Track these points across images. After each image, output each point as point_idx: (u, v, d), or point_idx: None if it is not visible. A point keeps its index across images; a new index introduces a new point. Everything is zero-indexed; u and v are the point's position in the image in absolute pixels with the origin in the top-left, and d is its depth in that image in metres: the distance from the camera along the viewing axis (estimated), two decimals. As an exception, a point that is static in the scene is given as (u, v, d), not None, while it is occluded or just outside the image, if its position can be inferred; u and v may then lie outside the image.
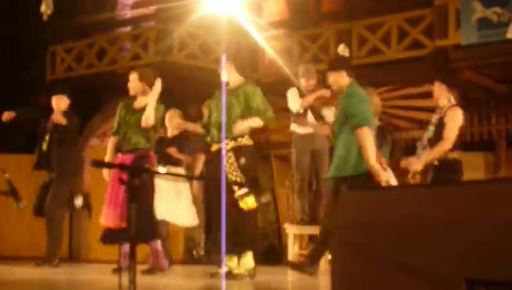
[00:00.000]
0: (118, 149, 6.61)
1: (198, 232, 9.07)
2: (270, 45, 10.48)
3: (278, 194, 11.66)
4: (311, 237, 8.02)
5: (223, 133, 5.84)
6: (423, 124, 9.87)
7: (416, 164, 6.22)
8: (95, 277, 6.70)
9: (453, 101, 6.25)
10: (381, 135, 7.01)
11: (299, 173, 7.99)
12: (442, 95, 6.31)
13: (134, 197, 3.13)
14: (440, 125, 6.17)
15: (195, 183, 8.15)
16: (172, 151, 7.88)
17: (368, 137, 5.75)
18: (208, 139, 6.14)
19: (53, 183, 7.70)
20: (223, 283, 5.42)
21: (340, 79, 6.04)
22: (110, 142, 6.72)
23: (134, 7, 13.70)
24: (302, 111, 7.67)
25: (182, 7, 10.00)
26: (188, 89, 10.52)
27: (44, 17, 8.11)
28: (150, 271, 6.47)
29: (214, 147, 6.01)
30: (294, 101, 7.70)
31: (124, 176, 3.18)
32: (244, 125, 5.92)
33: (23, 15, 12.25)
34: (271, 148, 11.70)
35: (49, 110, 7.93)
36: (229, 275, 5.70)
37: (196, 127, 8.05)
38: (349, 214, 2.42)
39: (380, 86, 9.39)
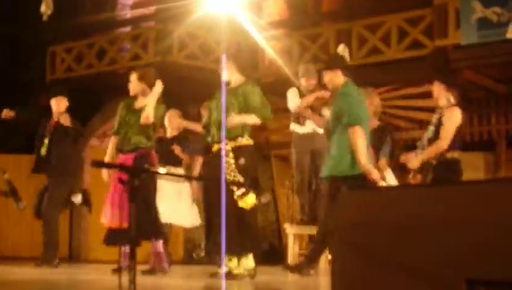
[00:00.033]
0: (119, 150, 6.60)
1: (199, 233, 9.06)
2: (270, 45, 10.48)
3: (278, 194, 11.66)
4: (311, 237, 8.02)
5: (223, 133, 5.84)
6: (423, 124, 9.87)
7: (413, 161, 6.24)
8: (95, 277, 6.70)
9: (452, 101, 6.26)
10: (381, 135, 7.01)
11: (299, 173, 7.99)
12: (442, 95, 6.31)
13: (135, 197, 3.13)
14: (439, 126, 6.18)
15: (195, 184, 8.16)
16: (177, 149, 7.89)
17: (359, 137, 5.75)
18: (209, 139, 6.14)
19: (51, 184, 7.69)
20: (223, 283, 5.42)
21: (336, 78, 6.04)
22: (111, 142, 6.71)
23: (134, 7, 13.70)
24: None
25: (181, 7, 10.00)
26: (187, 89, 10.52)
27: (44, 17, 8.12)
28: (150, 271, 6.47)
29: (215, 147, 6.01)
30: (294, 101, 7.70)
31: (124, 176, 3.18)
32: (237, 119, 5.89)
33: (23, 15, 12.25)
34: (271, 148, 11.70)
35: (49, 111, 7.92)
36: (229, 275, 5.70)
37: (196, 126, 8.05)
38: (349, 214, 2.42)
39: (380, 86, 9.39)
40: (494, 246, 2.02)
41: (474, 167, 9.69)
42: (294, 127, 7.89)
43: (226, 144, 5.87)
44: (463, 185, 2.66)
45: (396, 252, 2.24)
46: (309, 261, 6.24)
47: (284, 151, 10.56)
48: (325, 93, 7.40)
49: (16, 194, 8.22)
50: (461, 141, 6.38)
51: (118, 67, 11.86)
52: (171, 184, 7.73)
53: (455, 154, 6.22)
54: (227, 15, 7.61)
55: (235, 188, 5.81)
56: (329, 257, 6.54)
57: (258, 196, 6.25)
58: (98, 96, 12.53)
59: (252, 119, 5.95)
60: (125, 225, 6.22)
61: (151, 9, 12.73)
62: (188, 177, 8.16)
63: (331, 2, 11.89)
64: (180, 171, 8.02)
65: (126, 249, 5.99)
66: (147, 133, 6.51)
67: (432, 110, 6.60)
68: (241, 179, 5.83)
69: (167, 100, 6.80)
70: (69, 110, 7.92)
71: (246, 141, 5.95)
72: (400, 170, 7.67)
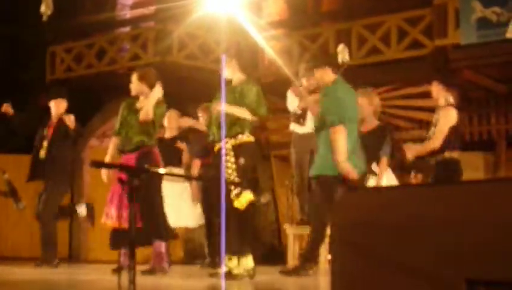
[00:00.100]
0: (120, 150, 6.58)
1: (199, 233, 9.06)
2: (269, 45, 10.48)
3: (278, 194, 11.66)
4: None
5: (223, 132, 5.83)
6: (423, 124, 9.87)
7: (409, 152, 6.27)
8: (95, 277, 6.70)
9: (451, 101, 6.27)
10: (381, 135, 7.02)
11: (298, 173, 7.99)
12: (441, 95, 6.32)
13: (134, 198, 3.13)
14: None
15: (194, 187, 8.16)
16: (182, 145, 7.92)
17: (339, 136, 5.76)
18: (210, 138, 6.14)
19: (48, 186, 7.68)
20: (223, 283, 5.42)
21: (325, 76, 6.05)
22: (112, 143, 6.69)
23: (134, 7, 13.70)
24: (299, 112, 7.66)
25: (181, 7, 10.00)
26: (187, 90, 10.52)
27: (44, 17, 8.09)
28: (150, 271, 6.47)
29: (216, 147, 6.00)
30: (293, 101, 7.70)
31: (124, 176, 3.18)
32: (227, 108, 5.88)
33: (23, 15, 12.24)
34: (271, 148, 11.70)
35: (48, 111, 7.92)
36: (229, 275, 5.70)
37: (200, 125, 8.06)
38: (349, 214, 2.42)
39: (379, 86, 9.39)
40: (494, 246, 2.02)
41: (474, 167, 9.68)
42: (294, 127, 7.89)
43: (226, 142, 5.86)
44: (463, 185, 2.66)
45: (396, 252, 2.24)
46: (304, 261, 6.25)
47: (283, 152, 10.56)
48: None
49: (16, 194, 8.22)
50: (460, 141, 6.39)
51: (117, 68, 11.86)
52: (172, 184, 7.73)
53: (454, 154, 6.23)
54: (226, 15, 7.61)
55: (232, 188, 5.81)
56: (329, 257, 6.54)
57: (256, 195, 6.25)
58: (98, 96, 12.54)
59: (243, 114, 5.88)
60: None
61: (151, 9, 12.73)
62: (188, 177, 8.16)
63: (330, 2, 11.89)
64: (181, 171, 8.03)
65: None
66: (148, 132, 6.50)
67: (431, 110, 6.61)
68: (238, 179, 5.80)
69: (167, 100, 6.80)
70: (68, 110, 7.91)
71: (246, 138, 5.91)
72: (400, 170, 7.68)
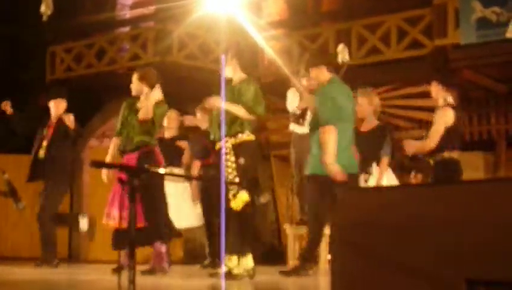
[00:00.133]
0: (121, 151, 6.56)
1: (199, 233, 9.06)
2: (269, 45, 10.48)
3: (278, 194, 11.66)
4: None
5: (223, 131, 5.82)
6: (422, 124, 9.87)
7: (408, 147, 6.28)
8: (94, 277, 6.70)
9: (449, 101, 6.27)
10: (381, 134, 7.02)
11: (298, 173, 7.98)
12: (439, 95, 6.33)
13: (135, 198, 3.13)
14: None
15: (194, 187, 8.16)
16: (183, 144, 7.92)
17: (328, 136, 5.75)
18: (211, 137, 6.12)
19: (48, 186, 7.68)
20: (223, 283, 5.42)
21: (321, 74, 6.04)
22: (113, 143, 6.68)
23: (134, 7, 13.70)
24: (298, 112, 7.65)
25: (181, 7, 10.00)
26: (187, 90, 10.51)
27: (44, 17, 8.09)
28: (149, 271, 6.46)
29: (218, 146, 5.99)
30: (293, 101, 7.70)
31: (124, 176, 3.18)
32: (218, 100, 5.87)
33: (23, 15, 12.24)
34: (271, 148, 11.70)
35: (48, 112, 7.91)
36: (229, 275, 5.70)
37: (200, 121, 8.07)
38: (349, 214, 2.42)
39: (379, 86, 9.39)
40: (494, 246, 2.02)
41: (473, 167, 9.68)
42: (293, 127, 7.89)
43: (226, 142, 5.85)
44: (463, 185, 2.66)
45: (396, 252, 2.24)
46: (303, 261, 6.25)
47: (283, 152, 10.56)
48: None
49: (16, 194, 8.22)
50: (460, 141, 6.39)
51: (117, 67, 11.86)
52: (173, 184, 7.73)
53: (454, 154, 6.23)
54: (226, 15, 7.61)
55: (230, 188, 5.80)
56: (329, 257, 6.54)
57: (257, 195, 6.24)
58: (98, 96, 12.54)
59: (239, 111, 5.84)
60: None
61: (151, 9, 12.73)
62: (188, 177, 8.16)
63: (330, 2, 11.89)
64: (181, 171, 8.03)
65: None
66: (148, 132, 6.50)
67: (431, 109, 6.61)
68: (237, 179, 5.79)
69: (167, 100, 6.80)
70: (68, 110, 7.91)
71: (246, 136, 5.88)
72: (400, 170, 7.68)
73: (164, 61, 11.01)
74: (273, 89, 9.38)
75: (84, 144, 12.24)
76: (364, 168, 6.87)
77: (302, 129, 7.80)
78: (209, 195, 7.79)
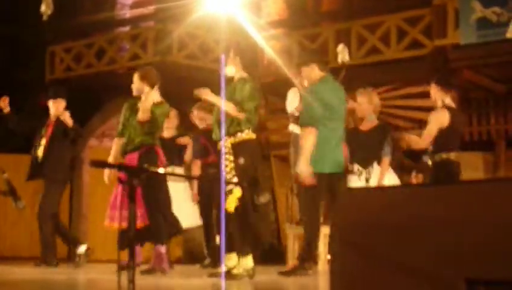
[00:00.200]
0: (123, 151, 6.55)
1: (199, 232, 9.07)
2: (269, 45, 10.48)
3: (278, 194, 11.66)
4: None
5: (223, 131, 5.81)
6: (422, 124, 9.86)
7: (403, 141, 6.30)
8: (94, 277, 6.70)
9: (447, 102, 6.27)
10: (382, 134, 7.02)
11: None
12: (438, 97, 6.33)
13: (133, 198, 3.13)
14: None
15: (194, 187, 8.15)
16: (185, 140, 7.92)
17: (306, 137, 5.77)
18: (214, 136, 6.11)
19: (46, 186, 7.68)
20: (223, 282, 5.42)
21: (312, 73, 6.04)
22: (115, 144, 6.66)
23: (134, 7, 13.70)
24: (297, 113, 7.64)
25: (181, 7, 9.99)
26: (187, 89, 10.48)
27: (44, 17, 8.09)
28: (149, 271, 6.46)
29: (219, 145, 5.97)
30: (293, 102, 7.68)
31: (123, 176, 3.18)
32: (206, 92, 5.86)
33: (23, 15, 12.24)
34: (271, 148, 11.70)
35: (47, 111, 7.91)
36: (228, 275, 5.70)
37: (197, 120, 8.06)
38: (349, 214, 2.42)
39: (379, 86, 9.39)
40: (494, 246, 2.03)
41: (473, 167, 9.69)
42: (293, 128, 7.88)
43: (226, 141, 5.83)
44: (463, 185, 2.67)
45: (397, 252, 2.24)
46: (302, 261, 6.25)
47: (283, 152, 10.56)
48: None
49: (15, 193, 8.22)
50: (459, 142, 6.39)
51: (117, 67, 11.86)
52: (174, 184, 7.73)
53: (451, 155, 6.23)
54: (226, 15, 7.61)
55: (227, 187, 5.78)
56: (329, 257, 6.55)
57: (257, 195, 6.23)
58: (97, 96, 12.53)
59: (227, 107, 5.80)
60: (138, 225, 6.24)
61: (151, 8, 12.73)
62: (188, 177, 8.16)
63: (330, 2, 11.90)
64: (182, 171, 8.03)
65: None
66: (149, 132, 6.49)
67: (431, 109, 6.61)
68: (235, 178, 5.76)
69: (166, 100, 6.79)
70: (68, 110, 7.90)
71: (245, 135, 5.84)
72: (400, 170, 7.68)
73: (164, 61, 11.01)
74: (273, 89, 9.39)
75: (84, 143, 12.24)
76: (365, 167, 6.87)
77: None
78: (207, 195, 7.79)
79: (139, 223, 6.34)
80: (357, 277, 2.34)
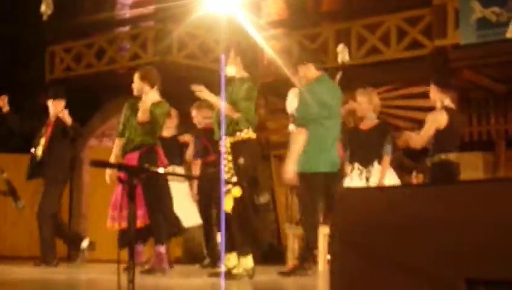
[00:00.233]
0: (123, 152, 6.54)
1: (199, 232, 9.07)
2: (269, 45, 10.48)
3: (277, 194, 11.66)
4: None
5: (223, 130, 5.80)
6: (422, 124, 9.86)
7: (400, 139, 6.32)
8: (94, 277, 6.70)
9: (446, 103, 6.28)
10: (382, 133, 7.01)
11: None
12: (437, 97, 6.34)
13: (133, 198, 3.13)
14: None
15: (194, 187, 8.15)
16: (187, 138, 7.93)
17: (295, 138, 5.79)
18: (215, 136, 6.11)
19: (45, 186, 7.68)
20: (222, 282, 5.42)
21: (308, 72, 6.04)
22: (115, 144, 6.66)
23: (134, 7, 13.70)
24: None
25: (181, 7, 9.99)
26: (186, 89, 10.49)
27: (44, 17, 8.10)
28: (149, 271, 6.46)
29: (219, 145, 5.97)
30: (293, 102, 7.68)
31: (123, 175, 3.18)
32: (203, 90, 5.87)
33: (23, 15, 12.25)
34: (271, 148, 11.70)
35: (47, 111, 7.91)
36: (228, 275, 5.70)
37: (196, 119, 8.06)
38: (349, 214, 2.42)
39: (379, 86, 9.39)
40: (494, 246, 2.03)
41: (473, 167, 9.69)
42: (293, 127, 7.87)
43: (225, 140, 5.82)
44: (463, 185, 2.67)
45: (396, 252, 2.24)
46: (302, 261, 6.25)
47: (283, 151, 10.54)
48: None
49: (15, 193, 8.22)
50: (458, 143, 6.39)
51: (117, 67, 11.86)
52: (174, 184, 7.72)
53: (451, 156, 6.23)
54: (226, 15, 7.60)
55: (226, 187, 5.78)
56: (329, 257, 6.55)
57: (257, 195, 6.23)
58: (97, 96, 12.53)
59: (225, 106, 5.79)
60: (138, 224, 6.26)
61: (151, 8, 12.73)
62: (188, 177, 8.15)
63: (330, 2, 11.90)
64: (182, 171, 8.03)
65: (139, 248, 6.01)
66: (149, 132, 6.48)
67: (431, 110, 6.62)
68: (234, 178, 5.76)
69: (166, 100, 6.79)
70: (68, 110, 7.90)
71: (245, 135, 5.83)
72: (400, 169, 7.67)
73: (164, 61, 11.01)
74: (273, 89, 9.38)
75: (84, 143, 12.24)
76: (366, 166, 6.87)
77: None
78: (206, 194, 7.79)
79: (140, 223, 6.34)
80: (357, 277, 2.33)
